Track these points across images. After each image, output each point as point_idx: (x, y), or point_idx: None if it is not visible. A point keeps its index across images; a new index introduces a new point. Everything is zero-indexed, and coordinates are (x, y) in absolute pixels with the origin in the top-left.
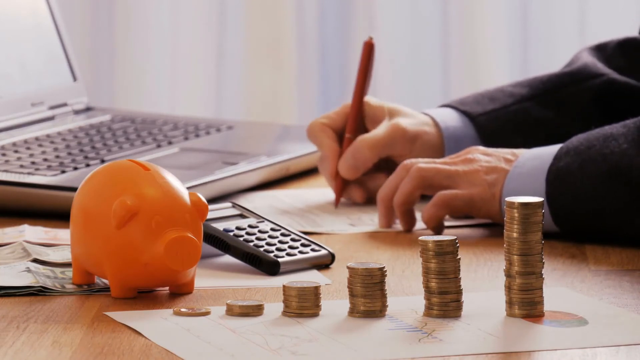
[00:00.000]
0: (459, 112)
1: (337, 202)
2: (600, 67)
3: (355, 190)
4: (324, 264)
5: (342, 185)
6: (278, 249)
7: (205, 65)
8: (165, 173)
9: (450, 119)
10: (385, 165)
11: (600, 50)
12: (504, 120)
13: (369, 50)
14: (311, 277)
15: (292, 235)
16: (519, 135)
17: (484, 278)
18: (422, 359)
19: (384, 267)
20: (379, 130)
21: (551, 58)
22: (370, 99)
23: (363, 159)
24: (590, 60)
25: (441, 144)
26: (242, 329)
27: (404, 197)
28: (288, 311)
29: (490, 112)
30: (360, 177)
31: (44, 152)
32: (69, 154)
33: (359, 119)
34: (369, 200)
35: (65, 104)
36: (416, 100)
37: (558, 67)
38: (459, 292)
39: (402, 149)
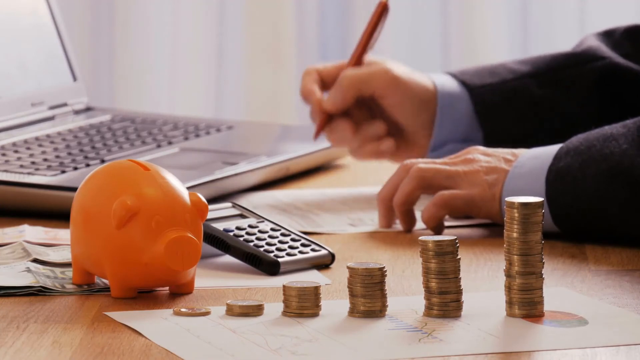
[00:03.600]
0: (457, 81)
1: (316, 135)
2: (605, 50)
3: (341, 123)
4: (324, 264)
5: (324, 120)
6: (278, 249)
7: (205, 65)
8: (165, 173)
9: (449, 82)
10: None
11: (608, 36)
12: (500, 94)
13: (381, 10)
14: (311, 277)
15: (292, 235)
16: (514, 110)
17: (484, 278)
18: (422, 359)
19: (384, 267)
20: (364, 67)
21: None
22: (370, 57)
23: (342, 92)
24: (596, 43)
25: (432, 98)
26: (242, 329)
27: (404, 197)
28: (288, 311)
29: (488, 86)
30: (357, 122)
31: (44, 152)
32: (69, 154)
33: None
34: (371, 200)
35: (65, 104)
36: None
37: None
38: (459, 292)
39: (383, 89)
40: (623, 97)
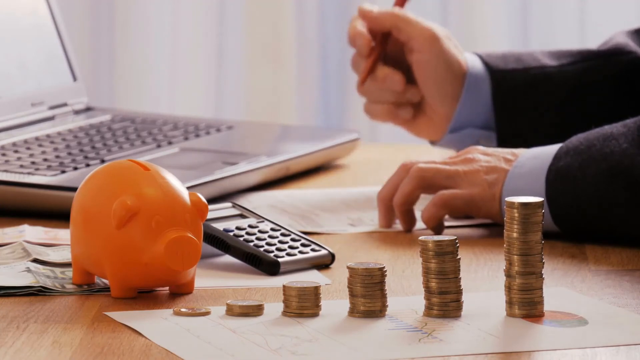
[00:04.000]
0: (482, 62)
1: (362, 80)
2: (632, 45)
3: (394, 75)
4: (324, 264)
5: (372, 64)
6: (278, 249)
7: (205, 65)
8: (165, 173)
9: (477, 64)
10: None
11: (638, 33)
12: (520, 80)
13: None
14: (311, 277)
15: (292, 235)
16: (528, 99)
17: (484, 278)
18: (422, 359)
19: (384, 267)
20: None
21: None
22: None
23: (379, 19)
24: (624, 40)
25: (462, 75)
26: (242, 329)
27: (404, 197)
28: (288, 311)
29: (511, 71)
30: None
31: (44, 152)
32: (69, 154)
33: None
34: (371, 200)
35: (65, 104)
36: None
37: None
38: (459, 292)
39: (419, 41)
40: None
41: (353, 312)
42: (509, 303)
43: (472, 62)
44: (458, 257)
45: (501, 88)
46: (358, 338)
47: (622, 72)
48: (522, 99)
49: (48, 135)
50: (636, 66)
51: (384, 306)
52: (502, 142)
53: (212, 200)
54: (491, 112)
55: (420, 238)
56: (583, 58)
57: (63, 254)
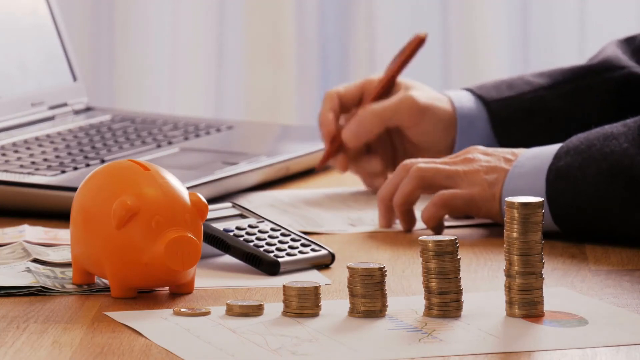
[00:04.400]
0: (475, 96)
1: (321, 164)
2: (623, 59)
3: (340, 159)
4: (324, 264)
5: (334, 150)
6: (278, 249)
7: (205, 65)
8: (165, 173)
9: (467, 100)
10: (390, 142)
11: (629, 42)
12: (517, 107)
13: (418, 43)
14: (311, 277)
15: (292, 235)
16: (530, 124)
17: (484, 278)
18: (422, 359)
19: (384, 267)
20: (389, 99)
21: (552, 55)
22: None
23: (368, 126)
24: (614, 53)
25: (453, 121)
26: (242, 329)
27: (404, 197)
28: (288, 311)
29: (506, 99)
30: (356, 155)
31: (44, 152)
32: (69, 154)
33: (381, 97)
34: (371, 200)
35: (65, 104)
36: None
37: (558, 64)
38: (459, 292)
39: (409, 119)
40: None
41: (353, 312)
42: (509, 303)
43: (459, 101)
44: (458, 257)
45: (500, 118)
46: (358, 338)
47: (616, 89)
48: (521, 126)
49: (48, 135)
50: (628, 81)
51: (384, 306)
52: None
53: (212, 200)
54: (487, 143)
55: (420, 238)
56: (575, 76)
57: (63, 254)
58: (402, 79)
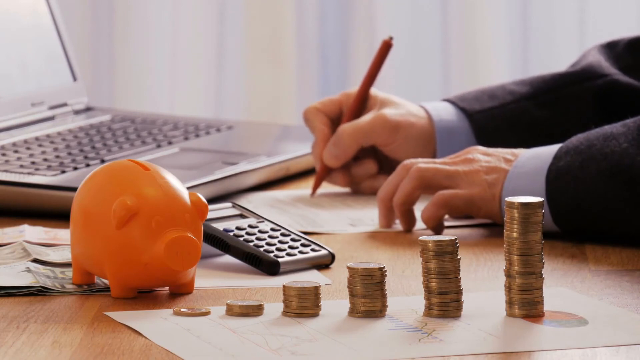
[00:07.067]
0: (456, 108)
1: (313, 191)
2: (605, 66)
3: (338, 176)
4: (324, 264)
5: (322, 174)
6: (278, 249)
7: (205, 65)
8: (165, 173)
9: (446, 112)
10: (374, 152)
11: (611, 47)
12: (500, 118)
13: (386, 49)
14: (311, 277)
15: (292, 235)
16: (514, 134)
17: (484, 278)
18: (422, 359)
19: (384, 267)
20: (362, 119)
21: (551, 56)
22: (369, 90)
23: (344, 147)
24: (596, 59)
25: (432, 135)
26: (242, 329)
27: (404, 197)
28: (288, 311)
29: (488, 110)
30: (347, 163)
31: (44, 152)
32: (69, 154)
33: (358, 111)
34: (371, 200)
35: (65, 104)
36: (416, 100)
37: (558, 64)
38: (459, 292)
39: (384, 138)
40: (624, 114)
41: (353, 312)
42: (509, 303)
43: (438, 115)
44: (458, 257)
45: (483, 129)
46: (358, 338)
47: (598, 97)
48: (505, 137)
49: (48, 135)
50: (610, 89)
51: (384, 306)
52: None
53: (212, 200)
54: None
55: (420, 238)
56: (557, 85)
57: (63, 254)
58: (378, 93)
